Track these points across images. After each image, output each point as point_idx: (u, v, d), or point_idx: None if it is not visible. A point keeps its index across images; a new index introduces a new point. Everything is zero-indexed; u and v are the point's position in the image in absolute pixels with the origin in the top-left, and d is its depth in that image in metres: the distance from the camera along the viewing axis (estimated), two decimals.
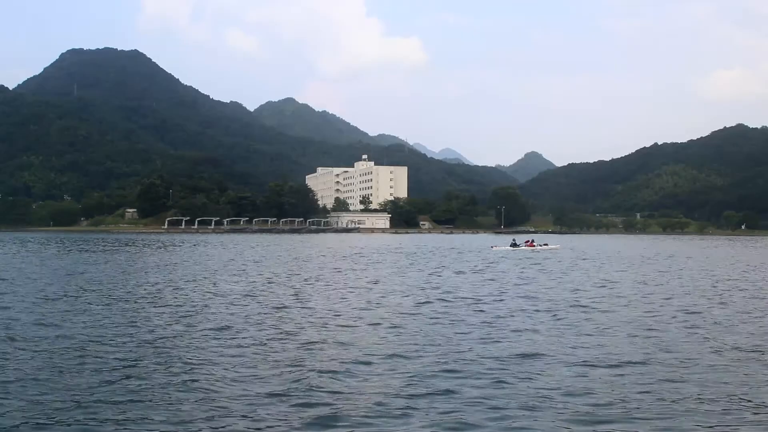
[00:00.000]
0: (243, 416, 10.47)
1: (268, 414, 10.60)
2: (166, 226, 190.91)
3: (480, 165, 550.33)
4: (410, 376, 12.91)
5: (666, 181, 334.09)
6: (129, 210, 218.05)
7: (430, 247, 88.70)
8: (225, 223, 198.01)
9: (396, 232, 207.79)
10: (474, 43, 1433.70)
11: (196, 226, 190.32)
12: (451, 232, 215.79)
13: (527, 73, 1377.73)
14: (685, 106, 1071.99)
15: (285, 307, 23.41)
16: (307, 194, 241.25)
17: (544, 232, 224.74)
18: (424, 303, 24.87)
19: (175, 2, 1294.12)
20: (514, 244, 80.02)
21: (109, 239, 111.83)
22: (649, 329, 19.05)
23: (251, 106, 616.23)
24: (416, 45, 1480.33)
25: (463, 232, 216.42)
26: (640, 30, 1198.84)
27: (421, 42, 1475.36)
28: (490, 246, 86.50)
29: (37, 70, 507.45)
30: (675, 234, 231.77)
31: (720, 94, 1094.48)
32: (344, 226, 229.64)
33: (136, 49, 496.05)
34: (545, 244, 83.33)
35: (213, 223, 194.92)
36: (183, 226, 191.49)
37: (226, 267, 44.40)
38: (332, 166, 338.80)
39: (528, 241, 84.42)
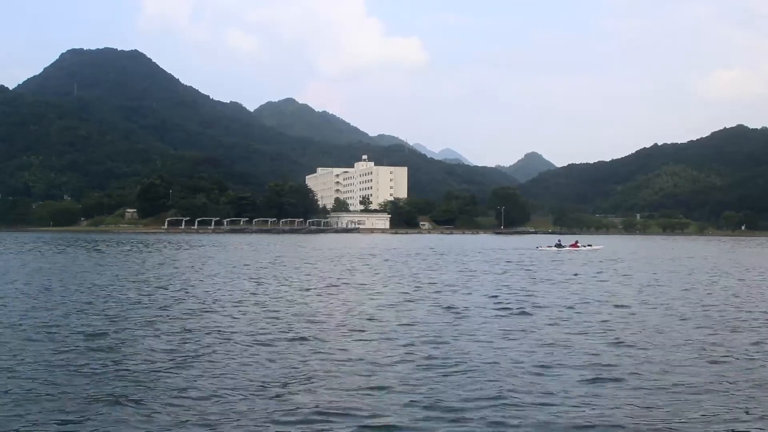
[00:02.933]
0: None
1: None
2: (166, 226, 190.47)
3: (480, 165, 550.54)
4: None
5: (666, 182, 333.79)
6: (129, 210, 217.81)
7: (469, 249, 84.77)
8: (225, 223, 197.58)
9: (396, 233, 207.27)
10: (474, 43, 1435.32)
11: (196, 227, 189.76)
12: (451, 233, 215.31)
13: (527, 73, 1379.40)
14: (685, 106, 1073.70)
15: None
16: (307, 194, 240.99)
17: (544, 233, 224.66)
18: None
19: (175, 2, 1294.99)
20: (558, 245, 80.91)
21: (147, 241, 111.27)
22: None
23: (251, 106, 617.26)
24: (416, 45, 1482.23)
25: (463, 233, 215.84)
26: (640, 30, 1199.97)
27: (421, 42, 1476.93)
28: (535, 246, 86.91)
29: (37, 70, 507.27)
30: (675, 235, 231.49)
31: (720, 95, 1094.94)
32: (344, 226, 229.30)
33: (136, 49, 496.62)
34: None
35: (213, 223, 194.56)
36: (183, 227, 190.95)
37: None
38: (332, 167, 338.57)
39: (575, 242, 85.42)
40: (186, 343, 16.41)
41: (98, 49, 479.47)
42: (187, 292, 27.86)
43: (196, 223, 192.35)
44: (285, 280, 34.32)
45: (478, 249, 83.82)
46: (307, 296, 26.96)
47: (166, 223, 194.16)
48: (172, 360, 14.33)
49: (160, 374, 13.02)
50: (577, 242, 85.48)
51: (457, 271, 39.46)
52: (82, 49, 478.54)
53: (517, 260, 57.65)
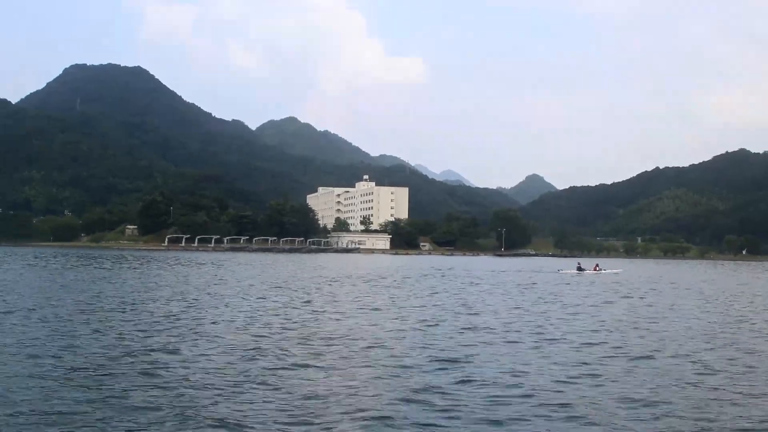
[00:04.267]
0: None
1: None
2: (166, 244, 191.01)
3: (481, 187, 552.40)
4: None
5: (667, 205, 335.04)
6: (129, 226, 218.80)
7: (499, 272, 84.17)
8: (225, 241, 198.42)
9: (396, 253, 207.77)
10: (476, 64, 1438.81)
11: (196, 244, 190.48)
12: (452, 254, 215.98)
13: (529, 95, 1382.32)
14: (687, 129, 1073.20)
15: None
16: (308, 214, 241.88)
17: (545, 255, 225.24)
18: None
19: (177, 21, 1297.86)
20: (579, 268, 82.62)
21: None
22: None
23: (253, 124, 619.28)
24: (418, 65, 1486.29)
25: (464, 254, 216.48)
26: (641, 52, 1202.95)
27: (422, 62, 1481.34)
28: (557, 270, 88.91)
29: (40, 84, 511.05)
30: (677, 258, 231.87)
31: (722, 118, 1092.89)
32: (344, 246, 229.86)
33: (139, 66, 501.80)
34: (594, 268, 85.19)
35: (213, 241, 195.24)
36: (183, 244, 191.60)
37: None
38: (333, 186, 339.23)
39: (596, 266, 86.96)
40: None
41: (101, 64, 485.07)
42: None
43: (197, 240, 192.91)
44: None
45: (505, 272, 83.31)
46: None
47: (166, 240, 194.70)
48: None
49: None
50: (597, 265, 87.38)
51: (565, 311, 31.92)
52: (85, 64, 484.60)
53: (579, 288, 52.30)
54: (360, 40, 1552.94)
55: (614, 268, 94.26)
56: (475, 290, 47.00)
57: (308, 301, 34.02)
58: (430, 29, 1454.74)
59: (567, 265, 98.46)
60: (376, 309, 31.29)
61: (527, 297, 41.32)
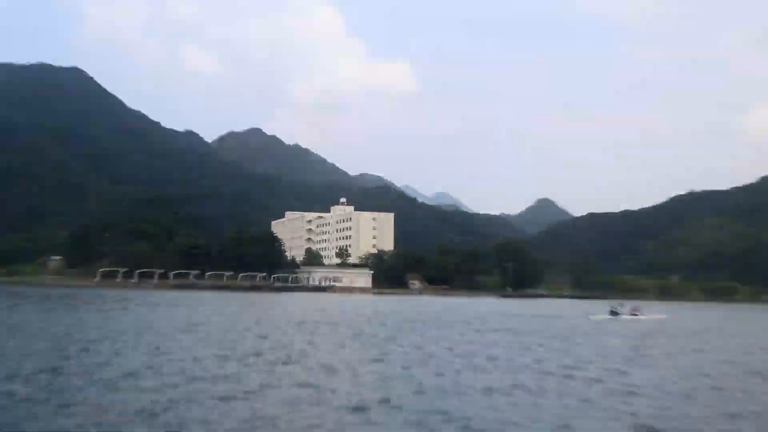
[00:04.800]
0: None
1: None
2: (98, 279, 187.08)
3: (481, 213, 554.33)
4: None
5: (707, 237, 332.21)
6: (54, 258, 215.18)
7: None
8: (171, 276, 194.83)
9: (380, 293, 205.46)
10: (473, 68, 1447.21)
11: (135, 280, 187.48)
12: (448, 294, 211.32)
13: (538, 105, 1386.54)
14: (727, 146, 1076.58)
15: None
16: (273, 244, 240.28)
17: (559, 296, 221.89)
18: None
19: (124, 14, 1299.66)
20: (613, 312, 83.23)
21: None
22: None
23: (209, 136, 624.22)
24: (405, 70, 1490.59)
25: (468, 296, 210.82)
26: (669, 59, 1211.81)
27: (410, 67, 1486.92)
28: (586, 315, 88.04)
29: None
30: (723, 302, 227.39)
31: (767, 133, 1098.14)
32: (317, 283, 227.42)
33: (75, 66, 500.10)
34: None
35: (156, 276, 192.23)
36: (119, 279, 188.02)
37: None
38: (304, 210, 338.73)
39: (633, 309, 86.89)
40: None
41: (29, 63, 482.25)
42: None
43: (136, 275, 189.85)
44: None
45: (518, 317, 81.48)
46: None
47: (98, 275, 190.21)
48: None
49: None
50: (635, 308, 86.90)
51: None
52: (12, 63, 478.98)
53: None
54: (338, 40, 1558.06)
55: (656, 314, 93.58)
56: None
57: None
58: (419, 30, 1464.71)
59: (594, 309, 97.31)
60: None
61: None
